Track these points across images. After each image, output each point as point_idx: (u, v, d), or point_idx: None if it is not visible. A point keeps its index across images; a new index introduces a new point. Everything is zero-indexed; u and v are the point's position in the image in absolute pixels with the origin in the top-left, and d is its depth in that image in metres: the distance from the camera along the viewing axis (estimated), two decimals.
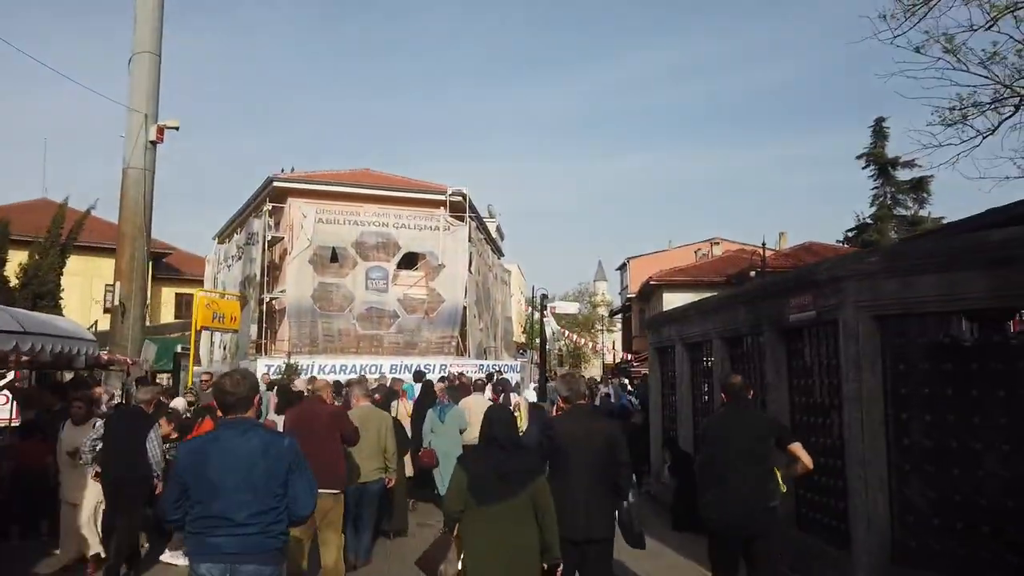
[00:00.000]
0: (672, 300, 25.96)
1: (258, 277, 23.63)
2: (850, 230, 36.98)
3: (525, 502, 4.04)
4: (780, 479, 5.23)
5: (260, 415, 7.69)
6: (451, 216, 25.08)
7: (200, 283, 30.48)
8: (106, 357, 10.17)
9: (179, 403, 8.85)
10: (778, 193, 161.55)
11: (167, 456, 6.79)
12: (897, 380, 5.93)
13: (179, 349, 18.36)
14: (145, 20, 13.11)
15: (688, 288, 29.91)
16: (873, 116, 38.39)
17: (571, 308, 47.68)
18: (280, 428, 7.67)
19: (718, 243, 44.53)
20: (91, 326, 22.59)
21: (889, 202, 35.67)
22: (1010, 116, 14.02)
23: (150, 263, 33.09)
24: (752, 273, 25.66)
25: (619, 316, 56.50)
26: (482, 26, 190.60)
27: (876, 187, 36.04)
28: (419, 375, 13.08)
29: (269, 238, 23.88)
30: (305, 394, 10.01)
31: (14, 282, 21.62)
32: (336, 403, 7.64)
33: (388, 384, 12.12)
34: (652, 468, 11.63)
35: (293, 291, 23.06)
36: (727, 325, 8.78)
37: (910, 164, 32.89)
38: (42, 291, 22.11)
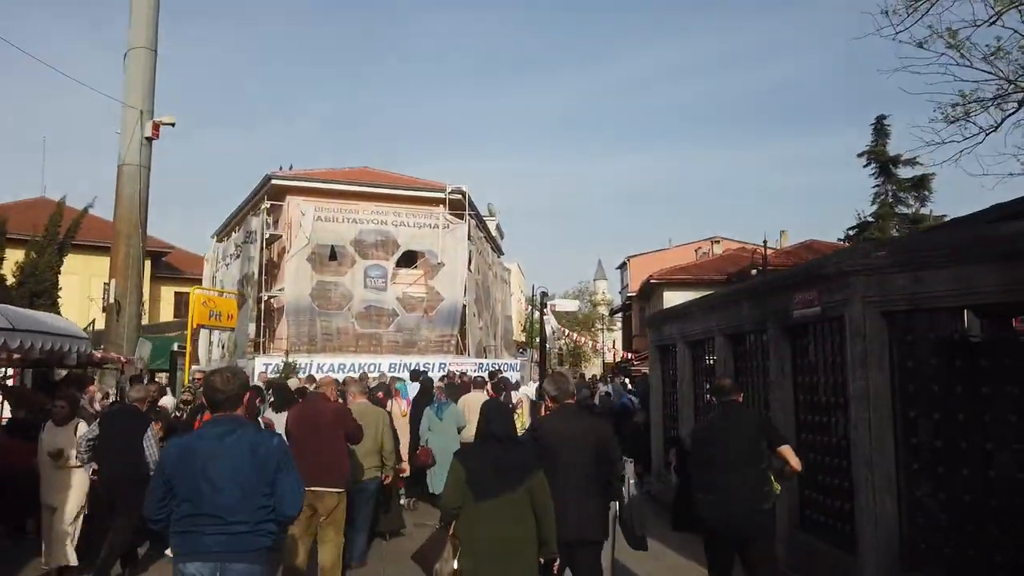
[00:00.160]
0: (672, 299, 25.82)
1: (256, 275, 23.48)
2: (851, 228, 36.74)
3: (523, 497, 4.00)
4: (774, 481, 5.24)
5: (258, 413, 7.60)
6: (450, 214, 24.93)
7: (199, 282, 30.34)
8: (99, 355, 10.04)
9: (167, 402, 8.70)
10: (778, 192, 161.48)
11: None
12: (905, 377, 5.78)
13: (176, 348, 18.22)
14: (141, 15, 12.95)
15: (689, 287, 29.79)
16: (874, 115, 38.19)
17: (571, 306, 47.52)
18: (278, 427, 7.57)
19: (718, 242, 44.38)
20: (88, 325, 22.45)
21: (890, 200, 35.45)
22: (1013, 112, 13.92)
23: (149, 262, 33.26)
24: (753, 271, 25.51)
25: (619, 315, 56.38)
26: (482, 25, 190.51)
27: (877, 185, 35.83)
28: (416, 373, 12.94)
29: (267, 236, 23.73)
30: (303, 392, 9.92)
31: (11, 280, 21.51)
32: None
33: (388, 383, 11.98)
34: (653, 467, 11.50)
35: (291, 289, 22.91)
36: (730, 322, 8.64)
37: (911, 162, 32.73)
38: (39, 289, 21.99)
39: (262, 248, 23.47)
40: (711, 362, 9.57)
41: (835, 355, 6.46)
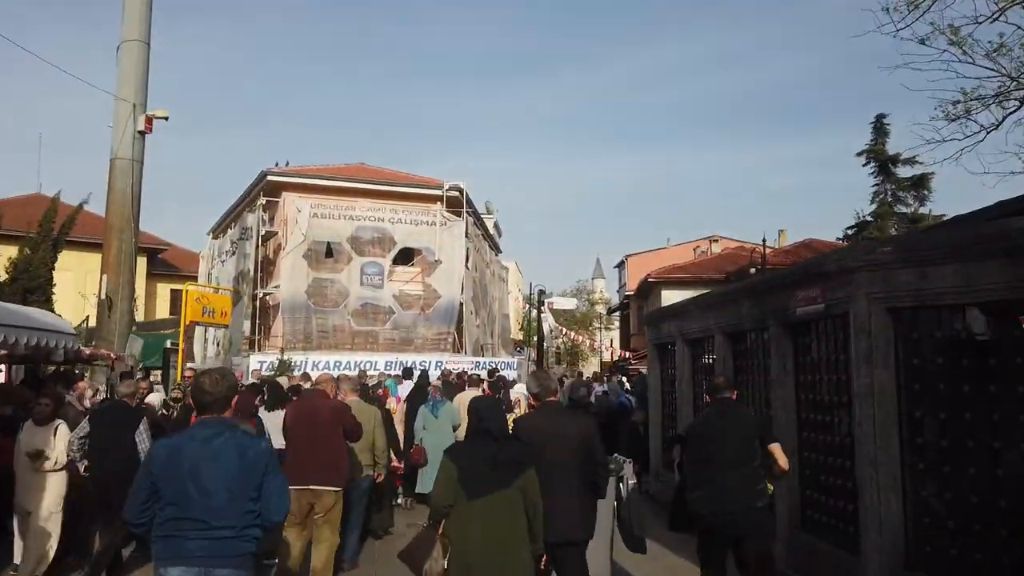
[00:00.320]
0: (670, 297, 25.67)
1: (252, 272, 23.34)
2: (850, 227, 36.63)
3: (516, 495, 3.93)
4: (768, 481, 5.23)
5: (255, 411, 7.46)
6: (448, 211, 24.80)
7: (195, 279, 30.18)
8: (88, 352, 9.88)
9: (154, 399, 8.53)
10: (777, 192, 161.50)
11: None
12: (910, 375, 5.65)
13: (169, 344, 18.07)
14: (133, 8, 12.80)
15: (687, 285, 29.67)
16: (873, 114, 38.07)
17: (569, 304, 47.34)
18: (269, 426, 7.44)
19: (717, 240, 44.23)
20: (82, 321, 22.30)
21: (890, 199, 35.36)
22: (1015, 111, 13.81)
23: (145, 259, 33.12)
24: (752, 270, 25.37)
25: (617, 314, 56.23)
26: (481, 23, 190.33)
27: (876, 184, 35.72)
28: (408, 371, 12.80)
29: (263, 233, 23.59)
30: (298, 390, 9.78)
31: (4, 277, 21.34)
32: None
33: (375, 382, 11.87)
34: (651, 467, 11.36)
35: (287, 286, 22.78)
36: (730, 320, 8.51)
37: (911, 161, 32.63)
38: (32, 286, 21.81)
39: (258, 245, 23.33)
40: (710, 361, 9.44)
41: (838, 353, 6.32)
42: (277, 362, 19.33)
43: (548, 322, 33.16)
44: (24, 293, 21.11)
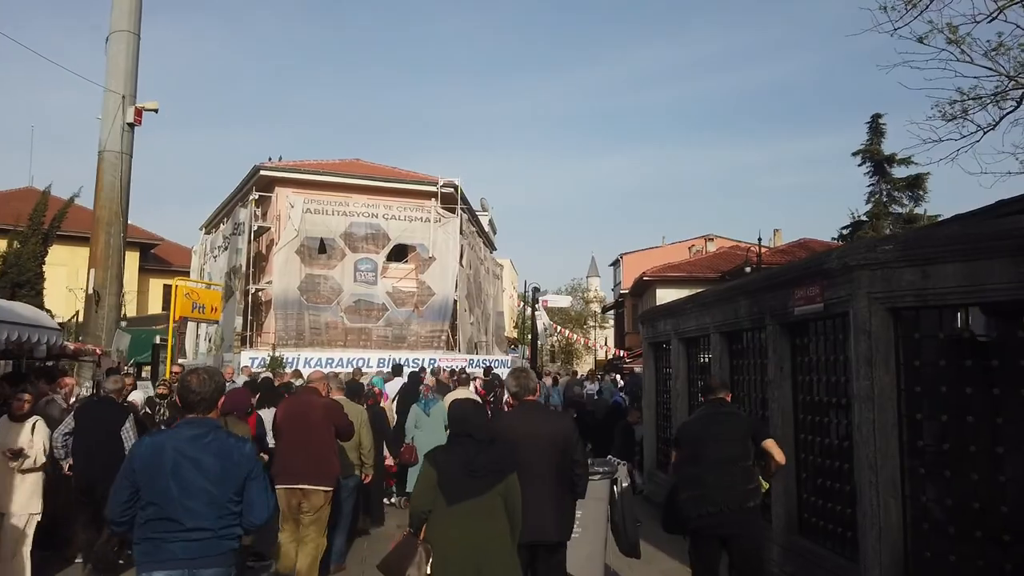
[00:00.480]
0: (665, 296, 25.60)
1: (244, 268, 23.13)
2: (845, 227, 36.65)
3: (496, 499, 3.84)
4: (761, 479, 5.18)
5: (250, 409, 7.33)
6: (442, 208, 24.63)
7: (188, 274, 29.95)
8: (73, 347, 9.69)
9: (136, 396, 8.35)
10: (772, 192, 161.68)
11: None
12: (911, 377, 5.51)
13: (158, 340, 17.88)
14: None
15: (682, 284, 29.61)
16: (869, 115, 37.95)
17: (563, 301, 47.27)
18: (270, 424, 7.30)
19: (712, 239, 44.14)
20: (73, 316, 22.07)
21: (885, 199, 35.36)
22: (1012, 111, 13.73)
23: (137, 254, 32.84)
24: (747, 269, 25.29)
25: (612, 312, 56.13)
26: (479, 20, 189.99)
27: (872, 184, 35.74)
28: (398, 368, 12.64)
29: (255, 228, 23.38)
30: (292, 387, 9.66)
31: None
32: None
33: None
34: (644, 467, 11.24)
35: (279, 282, 22.59)
36: (726, 318, 8.37)
37: (906, 161, 32.63)
38: (21, 280, 21.59)
39: (250, 240, 23.12)
40: (706, 359, 9.31)
41: (837, 353, 6.19)
42: (268, 359, 19.18)
43: (542, 320, 33.06)
44: (13, 287, 20.89)
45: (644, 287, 35.41)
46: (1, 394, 7.26)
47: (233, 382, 11.24)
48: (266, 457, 6.52)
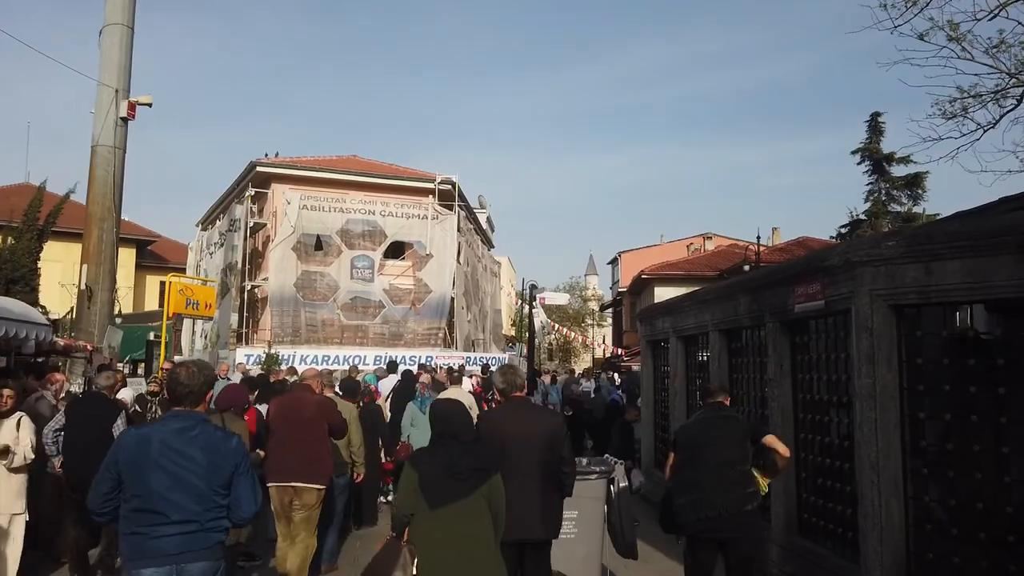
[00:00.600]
0: (664, 294, 25.47)
1: (240, 264, 23.00)
2: (843, 226, 36.54)
3: (480, 501, 3.76)
4: (760, 482, 5.09)
5: (247, 405, 7.24)
6: (440, 205, 24.51)
7: (184, 271, 29.82)
8: (63, 343, 9.57)
9: (125, 393, 8.23)
10: (771, 191, 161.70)
11: None
12: (914, 376, 5.41)
13: (152, 337, 17.76)
14: None
15: (680, 282, 29.48)
16: (867, 114, 37.86)
17: (561, 299, 47.12)
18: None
19: (711, 238, 44.06)
20: (68, 312, 21.93)
21: (883, 198, 35.26)
22: (1012, 109, 13.65)
23: (134, 251, 32.69)
24: (746, 267, 25.21)
25: (610, 310, 56.04)
26: (477, 20, 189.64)
27: (871, 183, 35.62)
28: (393, 365, 12.52)
29: (251, 224, 23.26)
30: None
31: None
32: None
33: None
34: (643, 465, 11.14)
35: (275, 279, 22.47)
36: (725, 316, 8.27)
37: (905, 160, 32.56)
38: (16, 276, 21.44)
39: (246, 237, 23.00)
40: (704, 357, 9.21)
41: (839, 351, 6.09)
42: (264, 356, 19.07)
43: (540, 317, 32.94)
44: (7, 283, 20.74)
45: (642, 285, 35.31)
46: None
47: (228, 379, 11.13)
48: (262, 454, 6.42)
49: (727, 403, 5.45)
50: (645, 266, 36.31)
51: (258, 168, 23.50)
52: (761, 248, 29.49)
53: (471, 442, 3.95)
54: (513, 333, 50.52)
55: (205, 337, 25.66)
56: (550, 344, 60.82)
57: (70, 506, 6.39)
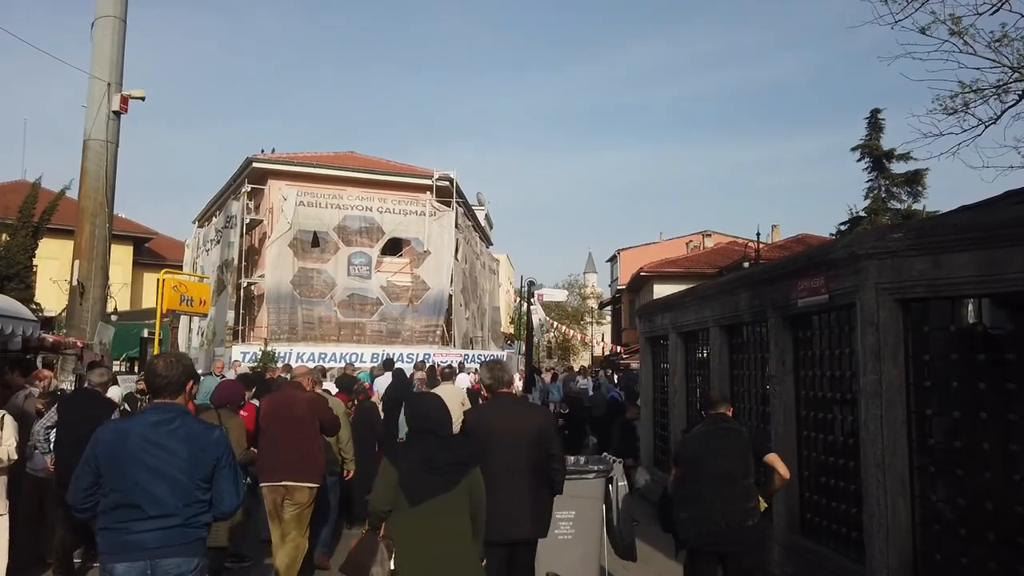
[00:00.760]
0: (663, 291, 25.26)
1: (236, 261, 22.84)
2: (843, 223, 36.36)
3: (460, 496, 3.69)
4: (761, 497, 4.99)
5: (243, 402, 7.11)
6: (437, 201, 24.35)
7: (181, 268, 29.65)
8: (52, 339, 9.42)
9: (114, 392, 8.09)
10: (769, 189, 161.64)
11: None
12: (921, 372, 5.27)
13: (147, 334, 17.60)
14: None
15: (679, 279, 29.31)
16: (866, 111, 37.65)
17: (559, 296, 46.94)
18: None
19: (710, 235, 43.93)
20: (63, 310, 21.78)
21: (883, 195, 35.10)
22: (1014, 104, 13.53)
23: (131, 248, 32.49)
24: (745, 264, 25.08)
25: (609, 308, 55.89)
26: (476, 19, 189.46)
27: (870, 180, 35.45)
28: (389, 363, 12.37)
29: (247, 221, 23.09)
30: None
31: None
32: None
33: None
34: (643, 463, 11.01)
35: (272, 276, 22.31)
36: (726, 311, 8.13)
37: (905, 157, 32.41)
38: (10, 273, 21.30)
39: (242, 233, 22.84)
40: (705, 354, 9.07)
41: (843, 347, 5.95)
42: (260, 353, 18.91)
43: (538, 314, 32.77)
44: (1, 280, 20.59)
45: (641, 283, 35.17)
46: None
47: (222, 376, 10.98)
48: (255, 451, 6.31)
49: (730, 414, 5.29)
50: (644, 264, 36.17)
51: (254, 164, 23.34)
52: (761, 245, 29.35)
53: (449, 436, 3.89)
54: (512, 331, 50.38)
55: (202, 334, 25.51)
56: (549, 342, 60.67)
57: (58, 504, 6.25)
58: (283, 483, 6.04)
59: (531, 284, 25.44)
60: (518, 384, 15.26)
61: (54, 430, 6.27)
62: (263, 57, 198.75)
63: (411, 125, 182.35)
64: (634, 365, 26.15)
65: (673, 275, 31.48)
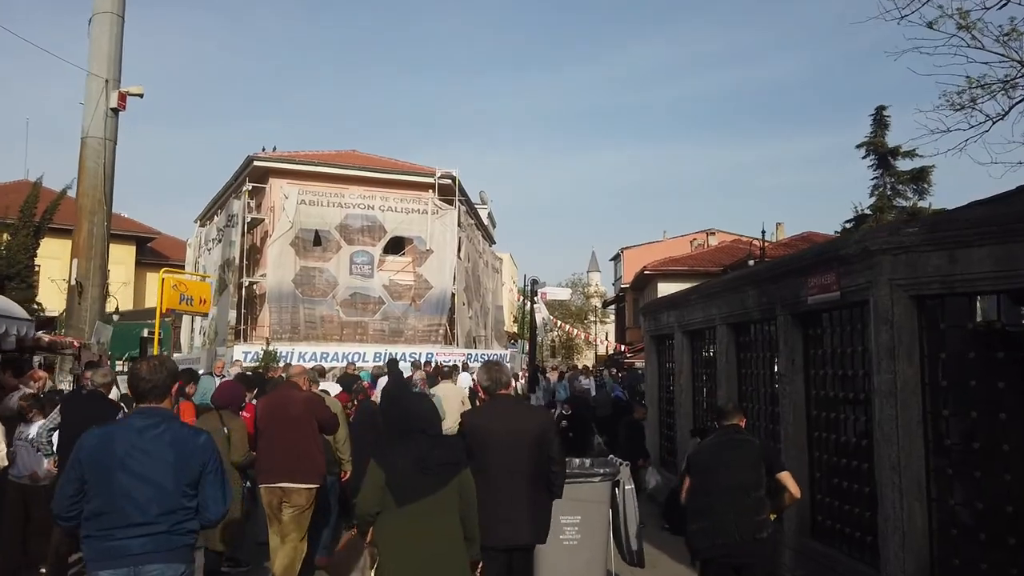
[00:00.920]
0: (667, 290, 25.12)
1: (237, 260, 22.70)
2: (848, 221, 36.13)
3: (449, 497, 3.60)
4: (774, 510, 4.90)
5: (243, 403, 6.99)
6: (440, 200, 24.19)
7: (183, 268, 29.54)
8: (47, 339, 9.29)
9: (113, 394, 7.95)
10: (773, 188, 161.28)
11: None
12: (937, 370, 5.11)
13: (146, 334, 17.48)
14: None
15: (683, 278, 29.17)
16: (871, 110, 37.36)
17: (563, 294, 46.68)
18: None
19: (714, 233, 43.71)
20: (64, 310, 21.69)
21: (889, 193, 34.87)
22: (1022, 100, 13.33)
23: (134, 248, 32.41)
24: (750, 262, 24.88)
25: (612, 307, 55.69)
26: (479, 16, 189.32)
27: (875, 177, 35.23)
28: (393, 364, 12.24)
29: (249, 220, 22.95)
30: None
31: None
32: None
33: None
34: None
35: (274, 275, 22.17)
36: (733, 309, 7.97)
37: (910, 154, 32.16)
38: (11, 272, 21.21)
39: (243, 232, 22.71)
40: (711, 353, 8.91)
41: (855, 345, 5.78)
42: (262, 353, 18.77)
43: (542, 313, 32.63)
44: (2, 280, 20.51)
45: (645, 281, 35.00)
46: None
47: (223, 376, 10.85)
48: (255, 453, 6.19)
49: (743, 424, 5.19)
50: (648, 262, 35.99)
51: (255, 163, 23.20)
52: (765, 244, 29.15)
53: (440, 435, 3.81)
54: (515, 330, 50.22)
55: (203, 334, 25.40)
56: (552, 341, 60.47)
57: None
58: (280, 484, 5.93)
59: (534, 283, 25.27)
60: (518, 384, 15.09)
61: (56, 432, 6.15)
62: (263, 57, 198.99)
63: (412, 126, 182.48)
64: (638, 364, 25.99)
65: (677, 273, 31.32)
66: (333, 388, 9.56)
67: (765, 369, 7.44)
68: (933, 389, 5.11)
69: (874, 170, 35.26)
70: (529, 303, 25.53)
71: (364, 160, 26.40)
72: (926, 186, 34.35)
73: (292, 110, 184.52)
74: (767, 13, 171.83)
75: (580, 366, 33.08)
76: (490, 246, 35.33)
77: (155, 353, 13.34)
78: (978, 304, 5.38)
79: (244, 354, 18.54)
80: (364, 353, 19.81)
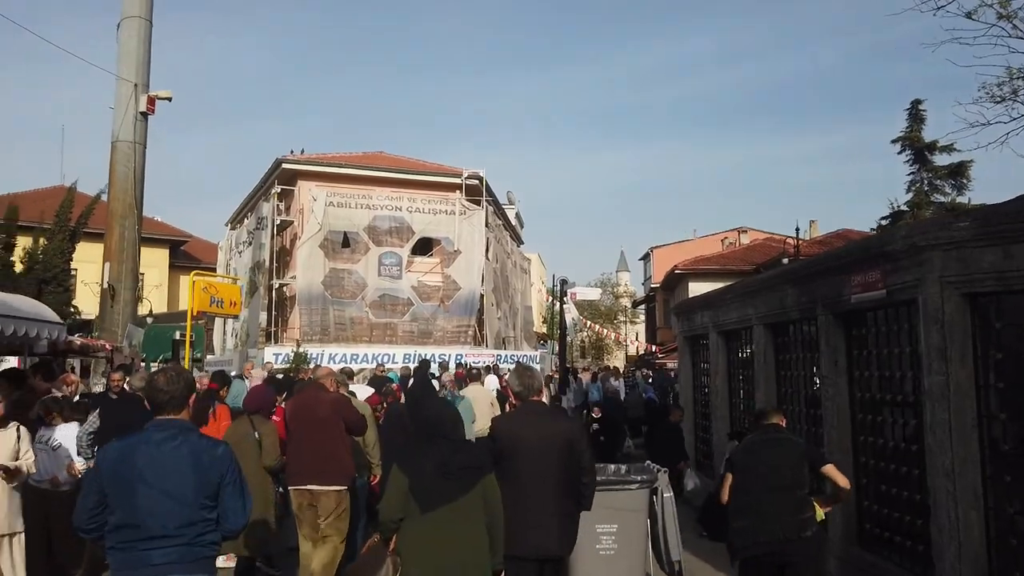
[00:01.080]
0: (698, 289, 24.83)
1: (267, 262, 22.83)
2: (884, 218, 35.39)
3: (474, 503, 3.52)
4: (818, 511, 4.79)
5: (273, 407, 6.92)
6: (467, 200, 24.10)
7: (215, 271, 29.84)
8: (79, 342, 9.32)
9: None
10: (805, 185, 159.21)
11: None
12: (992, 372, 4.84)
13: (178, 336, 17.61)
14: None
15: (715, 277, 28.77)
16: (905, 104, 36.66)
17: (593, 294, 46.31)
18: None
19: (745, 232, 43.10)
20: (98, 314, 21.99)
21: (926, 188, 34.08)
22: None
23: (167, 251, 32.80)
24: (784, 260, 24.43)
25: (642, 307, 55.25)
26: (507, 14, 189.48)
27: (912, 172, 34.45)
28: (425, 364, 12.15)
29: (278, 222, 23.07)
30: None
31: (20, 268, 21.08)
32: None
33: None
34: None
35: (303, 277, 22.26)
36: (771, 309, 7.73)
37: (948, 148, 31.39)
38: (47, 276, 21.55)
39: (273, 235, 22.82)
40: (748, 354, 8.67)
41: (902, 345, 5.53)
42: (293, 354, 18.84)
43: (571, 314, 32.36)
44: (39, 283, 20.84)
45: (676, 281, 34.61)
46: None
47: (248, 377, 10.84)
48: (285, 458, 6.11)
49: (783, 424, 5.08)
50: (678, 261, 35.58)
51: (284, 165, 23.31)
52: (799, 242, 28.65)
53: (463, 440, 3.74)
54: (544, 330, 50.03)
55: (235, 336, 25.60)
56: (582, 341, 60.17)
57: None
58: (307, 487, 5.86)
59: (564, 283, 25.05)
60: (550, 386, 14.90)
61: (94, 436, 6.10)
62: (291, 58, 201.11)
63: (438, 125, 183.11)
64: (670, 365, 25.66)
65: (709, 272, 30.91)
66: (364, 391, 9.48)
67: (805, 370, 7.20)
68: (988, 391, 4.84)
69: (911, 165, 34.49)
70: (558, 303, 25.32)
71: (391, 161, 26.42)
72: (965, 181, 33.48)
73: (321, 112, 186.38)
74: (770, 12, 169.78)
75: (611, 367, 32.81)
76: (518, 246, 35.19)
77: (187, 355, 13.42)
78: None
79: (275, 356, 18.64)
80: (393, 355, 19.78)
